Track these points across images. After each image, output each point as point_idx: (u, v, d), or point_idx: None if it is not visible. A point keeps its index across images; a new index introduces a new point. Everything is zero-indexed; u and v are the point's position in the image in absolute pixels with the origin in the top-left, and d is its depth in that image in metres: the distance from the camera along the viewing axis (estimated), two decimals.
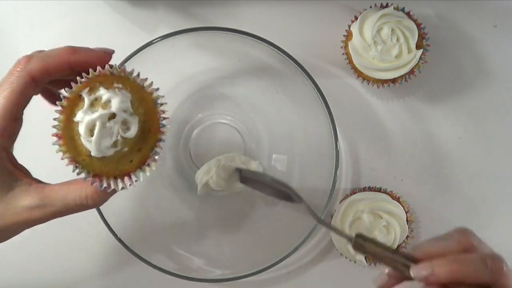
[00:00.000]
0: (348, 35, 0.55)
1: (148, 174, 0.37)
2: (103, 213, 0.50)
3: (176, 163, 0.57)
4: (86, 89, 0.34)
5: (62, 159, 0.35)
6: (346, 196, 0.56)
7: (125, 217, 0.53)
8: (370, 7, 0.55)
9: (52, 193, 0.36)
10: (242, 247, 0.55)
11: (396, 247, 0.53)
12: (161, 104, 0.37)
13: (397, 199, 0.55)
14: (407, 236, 0.54)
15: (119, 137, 0.34)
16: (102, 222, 0.50)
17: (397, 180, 0.58)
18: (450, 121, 0.58)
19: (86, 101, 0.34)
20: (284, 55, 0.51)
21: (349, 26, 0.55)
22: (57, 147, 0.35)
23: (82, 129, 0.34)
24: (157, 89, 0.37)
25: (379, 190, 0.56)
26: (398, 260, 0.38)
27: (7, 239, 0.38)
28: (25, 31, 0.57)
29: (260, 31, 0.51)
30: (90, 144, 0.34)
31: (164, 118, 0.37)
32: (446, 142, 0.58)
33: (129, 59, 0.50)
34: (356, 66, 0.54)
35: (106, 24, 0.57)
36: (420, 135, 0.58)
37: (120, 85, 0.35)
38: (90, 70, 0.35)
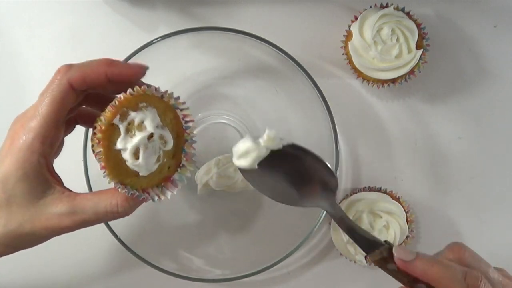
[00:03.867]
0: (348, 35, 0.55)
1: (188, 174, 0.40)
2: None
3: None
4: (117, 117, 0.35)
5: (115, 186, 0.36)
6: (346, 196, 0.56)
7: (125, 217, 0.53)
8: (370, 7, 0.55)
9: (83, 201, 0.37)
10: (242, 247, 0.55)
11: None
12: (181, 109, 0.39)
13: (397, 199, 0.55)
14: (407, 236, 0.54)
15: (161, 152, 0.37)
16: (102, 223, 0.50)
17: (397, 180, 0.58)
18: (450, 121, 0.58)
19: (122, 128, 0.35)
20: (284, 55, 0.51)
21: (349, 26, 0.55)
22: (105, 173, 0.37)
23: (127, 155, 0.36)
24: (177, 97, 0.39)
25: (379, 190, 0.56)
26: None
27: (36, 245, 0.39)
28: (25, 31, 0.57)
29: (260, 31, 0.51)
30: (138, 167, 0.36)
31: (187, 121, 0.39)
32: (446, 142, 0.58)
33: (129, 59, 0.50)
34: (356, 66, 0.54)
35: (106, 24, 0.57)
36: (420, 135, 0.58)
37: (144, 103, 0.36)
38: (116, 98, 0.36)
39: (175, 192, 0.39)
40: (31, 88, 0.57)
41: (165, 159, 0.38)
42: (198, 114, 0.57)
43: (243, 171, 0.41)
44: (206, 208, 0.57)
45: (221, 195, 0.55)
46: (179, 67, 0.55)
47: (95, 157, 0.36)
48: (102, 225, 0.50)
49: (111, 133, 0.36)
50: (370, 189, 0.56)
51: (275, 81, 0.55)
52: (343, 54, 0.56)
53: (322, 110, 0.52)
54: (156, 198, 0.38)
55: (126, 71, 0.37)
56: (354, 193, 0.56)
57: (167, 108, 0.38)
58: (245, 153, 0.40)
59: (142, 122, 0.36)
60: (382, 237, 0.53)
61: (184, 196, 0.57)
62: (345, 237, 0.53)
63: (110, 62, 0.37)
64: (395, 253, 0.37)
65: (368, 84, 0.56)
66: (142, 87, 0.36)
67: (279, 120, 0.57)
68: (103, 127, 0.35)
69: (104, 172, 0.36)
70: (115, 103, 0.35)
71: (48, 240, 0.56)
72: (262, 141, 0.39)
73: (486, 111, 0.58)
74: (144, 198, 0.38)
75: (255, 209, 0.56)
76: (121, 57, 0.50)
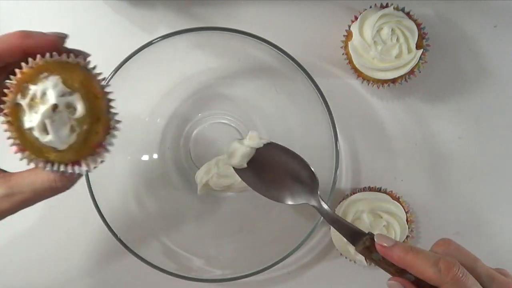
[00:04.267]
0: (348, 35, 0.55)
1: (115, 133, 0.36)
2: (103, 213, 0.50)
3: (176, 163, 0.57)
4: (19, 96, 0.33)
5: (36, 165, 0.34)
6: (346, 196, 0.56)
7: (125, 217, 0.53)
8: (370, 7, 0.55)
9: (20, 180, 0.35)
10: (242, 247, 0.55)
11: None
12: (93, 68, 0.36)
13: (397, 199, 0.55)
14: (407, 236, 0.54)
15: (72, 121, 0.34)
16: (102, 222, 0.50)
17: (397, 180, 0.58)
18: (450, 121, 0.58)
19: (24, 106, 0.33)
20: (284, 55, 0.51)
21: (349, 26, 0.55)
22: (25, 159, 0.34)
23: (36, 133, 0.33)
24: (79, 56, 0.36)
25: (379, 190, 0.56)
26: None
27: None
28: None
29: (260, 31, 0.51)
30: (51, 143, 0.33)
31: (100, 80, 0.36)
32: (446, 142, 0.58)
33: (129, 59, 0.50)
34: (356, 66, 0.54)
35: (106, 24, 0.57)
36: (420, 135, 0.58)
37: (46, 73, 0.34)
38: (12, 76, 0.34)
39: (104, 157, 0.36)
40: None
41: (85, 126, 0.34)
42: (198, 114, 0.57)
43: (237, 170, 0.47)
44: (206, 208, 0.57)
45: (221, 195, 0.55)
46: (179, 67, 0.55)
47: (10, 140, 0.34)
48: (102, 225, 0.50)
49: (18, 113, 0.33)
50: (370, 189, 0.56)
51: (275, 81, 0.55)
52: (343, 54, 0.56)
53: (322, 110, 0.52)
54: (85, 169, 0.35)
55: (43, 41, 0.35)
56: (354, 193, 0.55)
57: (74, 72, 0.35)
58: (233, 152, 0.46)
59: (45, 93, 0.33)
60: None
61: (184, 196, 0.57)
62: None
63: (25, 35, 0.34)
64: (376, 239, 0.38)
65: (368, 84, 0.56)
66: (38, 57, 0.34)
67: (279, 120, 0.57)
68: (7, 110, 0.33)
69: (22, 154, 0.34)
70: (14, 82, 0.33)
71: (43, 238, 0.56)
72: (245, 141, 0.46)
73: (486, 111, 0.58)
74: (71, 173, 0.35)
75: (255, 209, 0.56)
76: (121, 57, 0.50)
